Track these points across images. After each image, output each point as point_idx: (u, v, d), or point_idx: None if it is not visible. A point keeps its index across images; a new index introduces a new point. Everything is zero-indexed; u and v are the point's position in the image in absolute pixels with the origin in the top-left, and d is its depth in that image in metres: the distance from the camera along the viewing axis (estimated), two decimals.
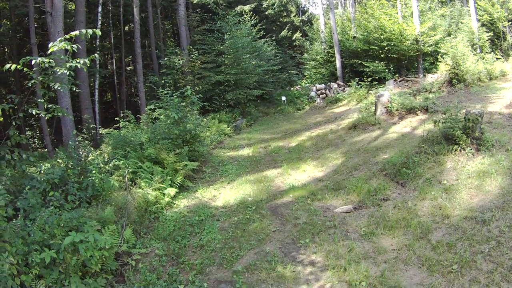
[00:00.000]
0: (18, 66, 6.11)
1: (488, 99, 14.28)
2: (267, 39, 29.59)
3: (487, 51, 23.40)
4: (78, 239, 5.30)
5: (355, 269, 5.76)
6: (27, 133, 27.78)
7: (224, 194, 10.06)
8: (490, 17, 24.92)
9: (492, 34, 24.53)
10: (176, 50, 24.48)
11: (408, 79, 23.19)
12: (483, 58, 21.18)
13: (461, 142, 8.89)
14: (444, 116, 9.88)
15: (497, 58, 22.55)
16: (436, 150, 9.18)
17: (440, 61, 22.15)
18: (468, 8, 26.04)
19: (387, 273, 5.61)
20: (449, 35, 25.12)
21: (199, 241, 7.37)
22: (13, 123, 6.66)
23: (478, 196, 7.40)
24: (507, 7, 24.72)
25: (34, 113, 6.92)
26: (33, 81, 6.69)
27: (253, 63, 24.35)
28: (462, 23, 26.22)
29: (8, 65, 6.00)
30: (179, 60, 23.78)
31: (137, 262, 6.67)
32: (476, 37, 23.85)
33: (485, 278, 5.16)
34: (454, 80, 17.58)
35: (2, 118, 27.55)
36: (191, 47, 24.97)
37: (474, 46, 23.47)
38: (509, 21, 24.61)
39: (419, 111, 13.98)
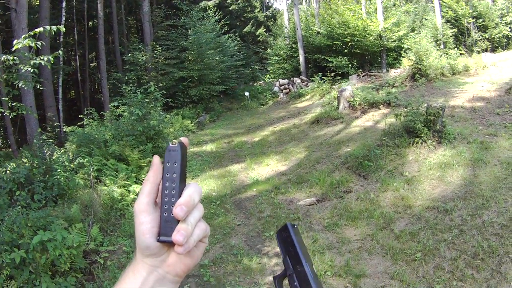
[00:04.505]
0: None
1: (451, 93, 14.56)
2: (231, 35, 29.34)
3: (450, 46, 23.80)
4: (46, 237, 5.26)
5: (320, 259, 5.79)
6: None
7: None
8: (454, 13, 25.32)
9: (456, 30, 24.94)
10: (140, 46, 24.06)
11: (371, 74, 23.43)
12: (447, 54, 21.50)
13: (422, 135, 9.05)
14: (405, 109, 10.04)
15: (460, 54, 22.85)
16: (398, 143, 9.33)
17: (404, 57, 22.31)
18: (433, 5, 26.48)
19: (352, 262, 5.66)
20: (413, 31, 25.44)
21: None
22: None
23: (440, 187, 7.55)
24: (472, 4, 25.31)
25: None
26: None
27: (217, 58, 24.15)
28: (426, 19, 26.60)
29: None
30: (142, 56, 23.42)
31: (105, 259, 6.60)
32: (440, 33, 24.22)
33: (449, 265, 5.26)
34: (417, 75, 17.78)
35: None
36: (154, 43, 24.67)
37: (438, 42, 23.81)
38: (473, 17, 25.12)
39: (381, 105, 14.17)
